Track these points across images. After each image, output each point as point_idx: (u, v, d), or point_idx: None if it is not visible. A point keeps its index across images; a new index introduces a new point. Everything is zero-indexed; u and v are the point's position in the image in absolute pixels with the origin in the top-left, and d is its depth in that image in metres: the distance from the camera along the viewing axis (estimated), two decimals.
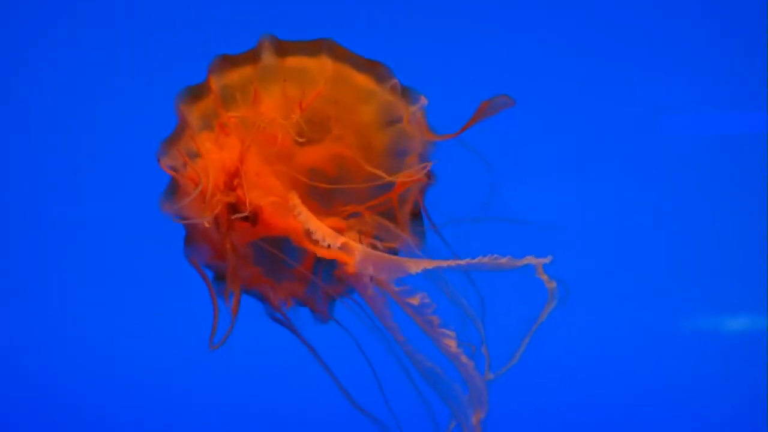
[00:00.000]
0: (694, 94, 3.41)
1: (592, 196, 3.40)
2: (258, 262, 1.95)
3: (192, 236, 1.90)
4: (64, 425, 3.37)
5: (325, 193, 1.91)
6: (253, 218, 1.81)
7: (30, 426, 3.37)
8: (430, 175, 1.95)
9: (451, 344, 1.76)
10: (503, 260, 1.75)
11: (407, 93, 1.88)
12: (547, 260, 1.78)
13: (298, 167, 1.89)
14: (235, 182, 1.80)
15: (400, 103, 1.87)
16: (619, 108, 3.39)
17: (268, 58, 1.83)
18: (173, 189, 1.84)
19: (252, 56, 1.84)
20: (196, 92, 1.84)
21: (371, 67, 1.85)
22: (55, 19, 3.30)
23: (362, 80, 1.86)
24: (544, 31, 3.36)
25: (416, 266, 1.73)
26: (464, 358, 1.77)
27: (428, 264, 1.74)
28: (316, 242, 1.77)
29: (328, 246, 1.75)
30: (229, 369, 3.25)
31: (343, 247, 1.74)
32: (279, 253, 1.93)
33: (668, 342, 3.40)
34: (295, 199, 1.81)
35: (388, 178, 1.89)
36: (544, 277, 1.80)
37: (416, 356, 1.83)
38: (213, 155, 1.80)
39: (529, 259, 1.77)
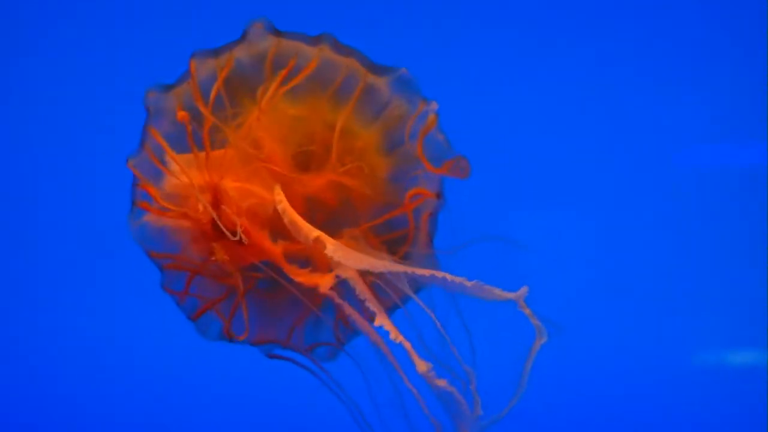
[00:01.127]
0: (704, 125, 3.43)
1: (598, 228, 3.40)
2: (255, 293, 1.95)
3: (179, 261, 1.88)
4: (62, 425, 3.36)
5: (329, 221, 1.87)
6: (236, 235, 1.79)
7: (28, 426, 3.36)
8: (439, 198, 1.91)
9: (429, 374, 1.75)
10: (486, 288, 1.74)
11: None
12: (522, 292, 1.76)
13: (297, 197, 1.86)
14: (217, 198, 1.79)
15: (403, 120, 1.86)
16: (629, 138, 3.41)
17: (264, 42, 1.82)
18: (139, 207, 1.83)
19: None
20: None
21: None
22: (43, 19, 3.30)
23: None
24: (558, 62, 3.38)
25: (388, 265, 1.75)
26: (443, 384, 1.76)
27: (404, 269, 1.75)
28: (292, 265, 1.78)
29: (306, 240, 1.74)
30: (227, 372, 3.24)
31: (317, 241, 1.74)
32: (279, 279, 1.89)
33: (671, 376, 3.40)
34: (279, 192, 1.79)
35: (397, 211, 1.89)
36: (528, 313, 1.78)
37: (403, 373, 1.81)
38: (189, 173, 1.79)
39: (509, 294, 1.75)
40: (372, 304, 1.75)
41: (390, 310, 1.87)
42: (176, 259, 1.87)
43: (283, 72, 1.79)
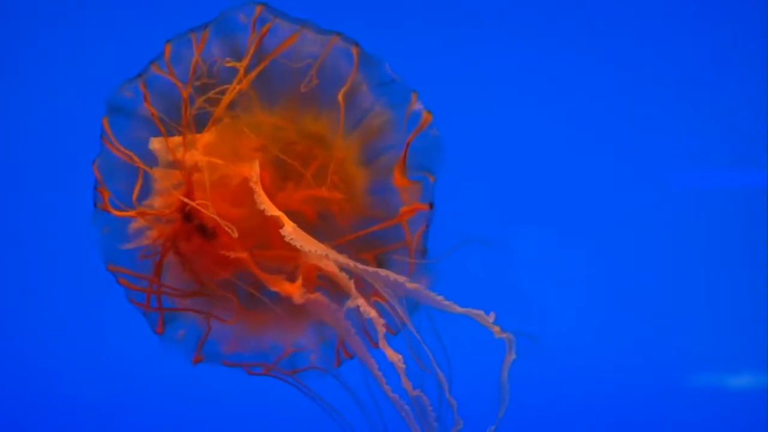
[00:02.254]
0: (703, 149, 3.43)
1: (596, 248, 3.40)
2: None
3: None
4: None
5: (310, 234, 1.82)
6: (207, 230, 1.78)
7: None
8: (429, 209, 1.88)
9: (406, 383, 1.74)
10: (457, 308, 1.72)
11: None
12: (490, 318, 1.73)
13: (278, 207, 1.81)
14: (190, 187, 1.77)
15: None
16: (626, 162, 3.41)
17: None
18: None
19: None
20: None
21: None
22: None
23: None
24: (555, 84, 3.39)
25: (349, 260, 1.73)
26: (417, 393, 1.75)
27: (368, 269, 1.73)
28: (265, 271, 1.76)
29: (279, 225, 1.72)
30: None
31: (276, 220, 1.71)
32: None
33: (670, 399, 3.39)
34: (255, 172, 1.76)
35: (384, 224, 1.88)
36: (494, 329, 1.74)
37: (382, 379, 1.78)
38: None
39: (474, 312, 1.73)
40: (347, 289, 1.73)
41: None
42: (133, 275, 1.84)
43: (258, 36, 1.77)
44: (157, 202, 1.78)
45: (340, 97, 1.78)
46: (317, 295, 1.79)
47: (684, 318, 3.38)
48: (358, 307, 1.74)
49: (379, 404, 1.84)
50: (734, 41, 3.38)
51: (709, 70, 3.40)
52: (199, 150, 1.76)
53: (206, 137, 1.77)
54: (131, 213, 1.78)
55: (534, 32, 3.37)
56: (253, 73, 1.76)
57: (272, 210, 1.72)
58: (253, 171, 1.76)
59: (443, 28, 3.34)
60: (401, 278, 1.73)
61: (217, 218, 1.74)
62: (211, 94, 1.77)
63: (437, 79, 3.12)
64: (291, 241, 1.72)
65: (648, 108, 3.41)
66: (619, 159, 3.41)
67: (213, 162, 1.76)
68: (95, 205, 1.82)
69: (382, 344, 1.73)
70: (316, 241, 1.74)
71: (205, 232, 1.79)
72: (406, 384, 1.71)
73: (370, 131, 1.83)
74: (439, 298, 1.75)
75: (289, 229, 1.72)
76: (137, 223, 1.79)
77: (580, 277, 3.39)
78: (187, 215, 1.78)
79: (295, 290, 1.76)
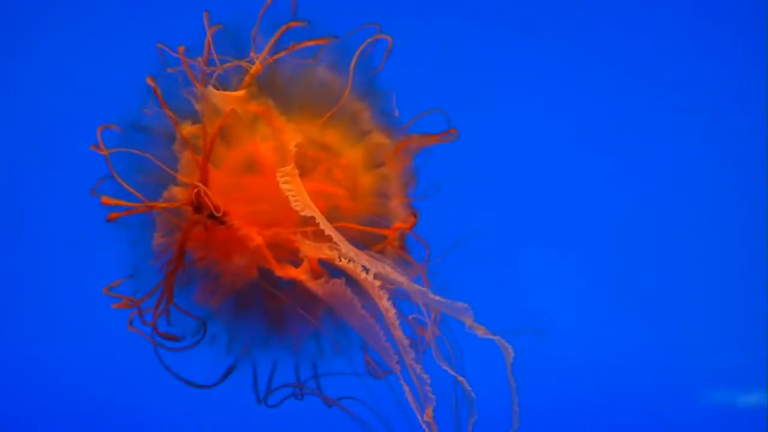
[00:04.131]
0: (709, 166, 3.43)
1: (605, 267, 3.41)
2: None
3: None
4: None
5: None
6: (218, 218, 1.85)
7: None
8: (414, 213, 2.02)
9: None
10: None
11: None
12: (482, 330, 1.81)
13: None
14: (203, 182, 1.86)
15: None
16: (627, 164, 3.41)
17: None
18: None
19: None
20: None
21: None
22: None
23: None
24: (555, 85, 3.40)
25: (360, 254, 1.82)
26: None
27: (377, 262, 1.81)
28: (277, 262, 1.84)
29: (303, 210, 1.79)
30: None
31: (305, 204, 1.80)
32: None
33: (682, 416, 3.38)
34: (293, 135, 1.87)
35: (379, 230, 1.98)
36: (487, 334, 1.82)
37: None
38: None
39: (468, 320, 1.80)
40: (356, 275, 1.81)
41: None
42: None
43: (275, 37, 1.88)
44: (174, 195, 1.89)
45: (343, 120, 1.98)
46: (329, 281, 1.85)
47: (694, 335, 3.38)
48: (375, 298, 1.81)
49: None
50: (734, 41, 3.38)
51: (710, 70, 3.40)
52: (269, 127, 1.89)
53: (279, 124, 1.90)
54: (146, 205, 1.87)
55: (537, 34, 3.38)
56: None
57: (303, 198, 1.81)
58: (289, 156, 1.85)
59: (443, 29, 3.36)
60: (399, 273, 1.83)
61: (207, 192, 1.83)
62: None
63: (437, 80, 3.17)
64: (312, 221, 1.80)
65: (648, 108, 3.41)
66: (621, 161, 3.41)
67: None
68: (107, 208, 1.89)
69: (399, 336, 1.79)
70: (334, 229, 1.83)
71: (216, 219, 1.86)
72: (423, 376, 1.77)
73: (370, 146, 2.01)
74: (435, 296, 1.81)
75: (313, 211, 1.80)
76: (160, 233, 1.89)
77: (586, 295, 3.39)
78: (198, 206, 1.86)
79: (302, 274, 1.83)
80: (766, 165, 3.33)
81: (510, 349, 1.81)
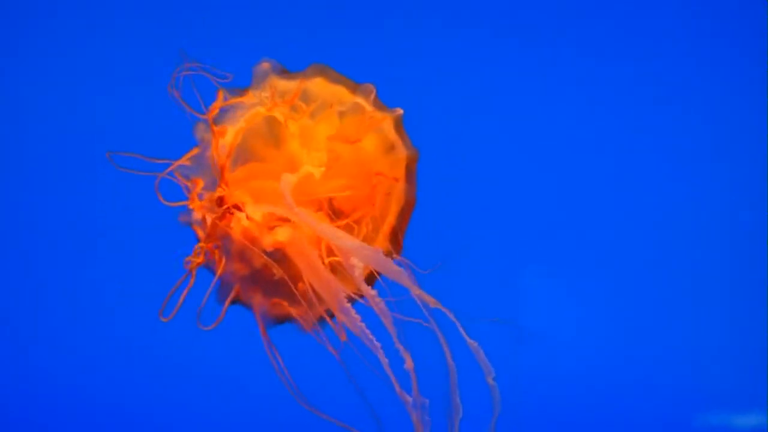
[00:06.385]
0: (707, 184, 3.43)
1: (603, 288, 3.41)
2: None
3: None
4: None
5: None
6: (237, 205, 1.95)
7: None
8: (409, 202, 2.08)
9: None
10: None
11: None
12: (474, 345, 1.84)
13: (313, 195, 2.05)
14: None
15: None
16: (628, 169, 3.42)
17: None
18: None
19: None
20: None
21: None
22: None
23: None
24: (555, 86, 3.41)
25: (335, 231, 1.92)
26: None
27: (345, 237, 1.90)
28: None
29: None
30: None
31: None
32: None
33: None
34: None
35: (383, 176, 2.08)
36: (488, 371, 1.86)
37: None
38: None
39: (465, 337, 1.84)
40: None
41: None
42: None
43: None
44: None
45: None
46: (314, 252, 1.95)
47: (690, 357, 3.37)
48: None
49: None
50: (734, 41, 3.39)
51: (709, 71, 3.41)
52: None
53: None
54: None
55: (537, 35, 3.40)
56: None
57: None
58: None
59: (444, 29, 3.38)
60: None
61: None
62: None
63: (437, 81, 3.19)
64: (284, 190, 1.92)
65: (647, 108, 3.41)
66: (622, 165, 3.41)
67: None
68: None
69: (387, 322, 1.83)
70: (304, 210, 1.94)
71: (236, 207, 1.98)
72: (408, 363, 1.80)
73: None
74: (421, 292, 1.85)
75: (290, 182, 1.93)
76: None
77: (583, 316, 3.39)
78: (219, 200, 1.98)
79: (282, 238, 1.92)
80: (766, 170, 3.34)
81: (478, 346, 1.85)
